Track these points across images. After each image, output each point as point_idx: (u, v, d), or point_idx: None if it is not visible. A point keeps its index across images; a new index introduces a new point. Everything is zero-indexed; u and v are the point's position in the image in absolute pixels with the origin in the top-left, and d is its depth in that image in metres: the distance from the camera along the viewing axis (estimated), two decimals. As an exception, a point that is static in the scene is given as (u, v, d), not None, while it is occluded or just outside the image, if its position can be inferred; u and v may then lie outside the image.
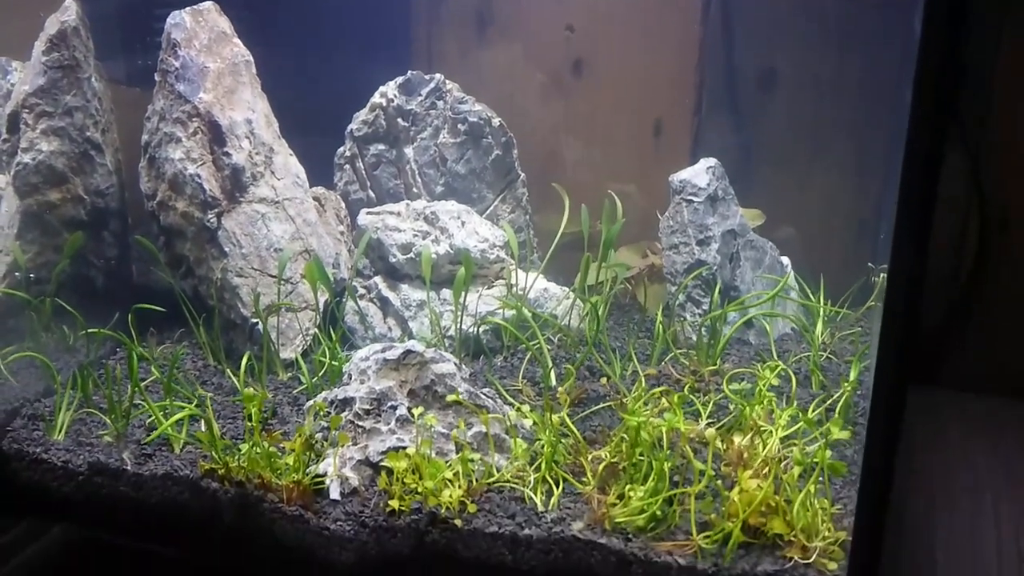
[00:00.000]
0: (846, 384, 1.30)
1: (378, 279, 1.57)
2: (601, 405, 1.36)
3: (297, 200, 1.51)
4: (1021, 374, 2.13)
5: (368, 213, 1.58)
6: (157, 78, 1.44)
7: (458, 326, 1.47)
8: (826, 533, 1.08)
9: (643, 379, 1.39)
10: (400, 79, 1.64)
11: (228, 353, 1.52)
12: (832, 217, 1.87)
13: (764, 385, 1.26)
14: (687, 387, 1.38)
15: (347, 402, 1.26)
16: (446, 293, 1.54)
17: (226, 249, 1.46)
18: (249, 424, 1.24)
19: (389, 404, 1.24)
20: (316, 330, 1.53)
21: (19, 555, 1.56)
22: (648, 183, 1.87)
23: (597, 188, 1.78)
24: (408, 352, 1.25)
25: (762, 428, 1.16)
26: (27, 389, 1.46)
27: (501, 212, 1.73)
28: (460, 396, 1.22)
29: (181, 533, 1.30)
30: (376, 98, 1.64)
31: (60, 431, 1.37)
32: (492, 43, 1.92)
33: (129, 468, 1.29)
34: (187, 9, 1.41)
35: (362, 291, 1.58)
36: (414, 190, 1.68)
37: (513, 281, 1.55)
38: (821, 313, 1.57)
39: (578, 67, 1.91)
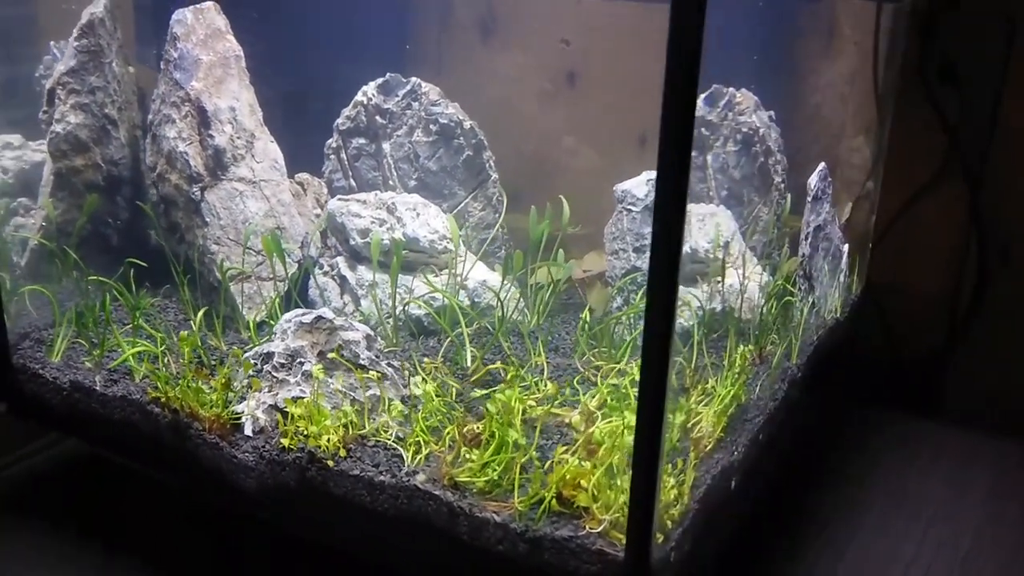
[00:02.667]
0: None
1: (340, 259, 1.88)
2: (488, 389, 1.60)
3: (273, 182, 1.85)
4: (1012, 410, 2.21)
5: (339, 199, 1.90)
6: (161, 66, 1.81)
7: (393, 306, 1.76)
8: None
9: (545, 367, 1.63)
10: (380, 80, 1.95)
11: (209, 311, 1.87)
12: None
13: (628, 380, 1.48)
14: (576, 379, 1.61)
15: (269, 355, 1.57)
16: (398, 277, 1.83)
17: (207, 219, 1.81)
18: (181, 362, 1.58)
19: (299, 361, 1.54)
20: (280, 298, 1.86)
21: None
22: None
23: (585, 192, 2.04)
24: (319, 318, 1.55)
25: (593, 414, 1.39)
26: (40, 320, 1.86)
27: (472, 209, 2.00)
28: (341, 356, 1.51)
29: (135, 448, 1.66)
30: (359, 96, 1.96)
31: (57, 354, 1.75)
32: (494, 52, 2.20)
33: (98, 388, 1.66)
34: (190, 7, 1.78)
35: (328, 268, 1.90)
36: (390, 182, 1.98)
37: (456, 271, 1.83)
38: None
39: (571, 79, 2.16)
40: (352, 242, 1.85)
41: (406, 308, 1.77)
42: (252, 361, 1.58)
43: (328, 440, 1.44)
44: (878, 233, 2.34)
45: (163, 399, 1.58)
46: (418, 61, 2.16)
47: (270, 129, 1.92)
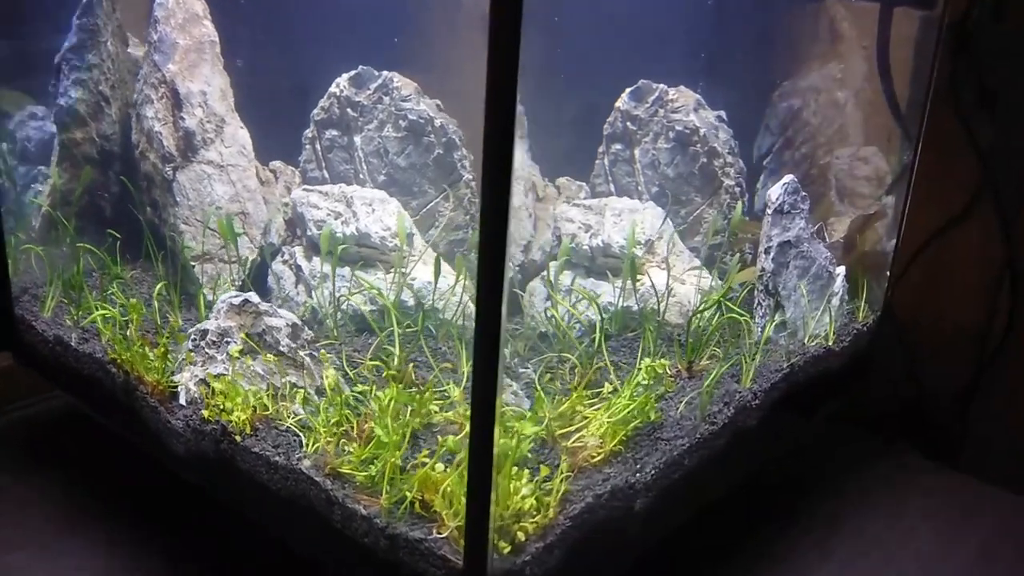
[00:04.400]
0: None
1: (298, 248, 2.05)
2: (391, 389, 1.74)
3: (240, 167, 2.03)
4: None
5: (304, 189, 2.06)
6: (145, 48, 2.01)
7: (334, 301, 1.92)
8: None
9: (466, 373, 1.76)
10: (352, 73, 2.10)
11: (176, 286, 2.07)
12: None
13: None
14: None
15: (204, 332, 1.75)
16: (345, 270, 1.98)
17: (178, 199, 2.01)
18: (132, 330, 1.80)
19: (226, 340, 1.72)
20: (241, 281, 2.04)
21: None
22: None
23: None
24: (246, 301, 1.73)
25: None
26: (40, 279, 2.11)
27: (443, 209, 2.13)
28: (262, 341, 1.68)
29: (97, 402, 1.89)
30: (332, 88, 2.11)
31: (48, 310, 2.00)
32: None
33: (73, 344, 1.89)
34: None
35: (287, 256, 2.07)
36: (360, 176, 2.13)
37: (404, 269, 1.97)
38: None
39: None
40: (309, 232, 2.01)
41: (341, 303, 1.93)
42: (193, 336, 1.77)
43: (237, 417, 1.61)
44: (904, 261, 2.26)
45: (118, 360, 1.80)
46: (408, 55, 2.30)
47: (257, 116, 2.11)
